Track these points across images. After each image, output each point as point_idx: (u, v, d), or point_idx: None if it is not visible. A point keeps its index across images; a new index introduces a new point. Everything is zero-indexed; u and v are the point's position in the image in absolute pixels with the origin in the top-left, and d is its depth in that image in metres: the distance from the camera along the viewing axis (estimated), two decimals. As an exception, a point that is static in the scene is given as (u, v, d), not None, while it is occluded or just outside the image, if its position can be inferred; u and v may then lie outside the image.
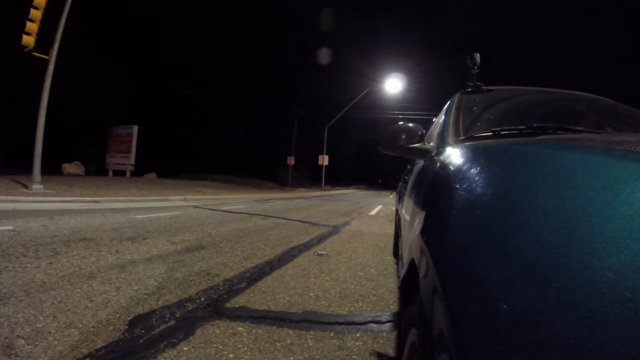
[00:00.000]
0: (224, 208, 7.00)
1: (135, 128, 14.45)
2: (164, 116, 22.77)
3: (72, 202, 5.69)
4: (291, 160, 21.31)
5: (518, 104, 1.50)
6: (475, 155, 0.70)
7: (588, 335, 0.25)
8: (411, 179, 1.70)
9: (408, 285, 0.77)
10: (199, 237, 3.65)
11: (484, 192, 0.51)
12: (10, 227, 3.41)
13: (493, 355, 0.30)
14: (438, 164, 0.95)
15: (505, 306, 0.32)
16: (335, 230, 4.77)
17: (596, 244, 0.29)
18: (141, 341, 1.37)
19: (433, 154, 1.15)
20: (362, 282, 2.37)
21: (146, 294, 1.89)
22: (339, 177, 36.59)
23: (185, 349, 1.34)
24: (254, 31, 39.01)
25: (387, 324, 1.70)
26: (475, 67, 1.51)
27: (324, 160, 20.60)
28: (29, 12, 6.50)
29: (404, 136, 1.25)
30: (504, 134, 1.01)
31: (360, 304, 1.96)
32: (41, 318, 1.50)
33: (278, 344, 1.42)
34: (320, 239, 3.94)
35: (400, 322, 1.65)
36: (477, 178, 0.56)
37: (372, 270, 2.72)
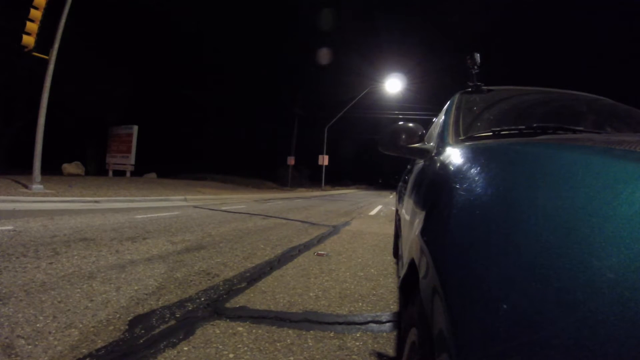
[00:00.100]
0: (224, 208, 7.00)
1: (135, 128, 14.47)
2: (164, 116, 22.80)
3: (72, 202, 5.69)
4: (291, 160, 21.31)
5: (518, 104, 1.50)
6: (475, 155, 0.70)
7: (588, 335, 0.25)
8: (411, 179, 1.70)
9: (408, 285, 0.77)
10: (199, 237, 3.65)
11: (484, 192, 0.51)
12: (10, 227, 3.41)
13: (493, 355, 0.30)
14: (438, 164, 0.95)
15: (505, 306, 0.32)
16: (335, 230, 4.77)
17: (596, 244, 0.29)
18: (141, 341, 1.37)
19: (433, 154, 1.15)
20: (362, 282, 2.37)
21: (146, 294, 1.89)
22: (339, 177, 36.62)
23: (186, 349, 1.34)
24: (253, 31, 39.10)
25: (387, 324, 1.70)
26: (475, 67, 1.51)
27: (324, 160, 20.60)
28: (29, 12, 6.50)
29: (404, 136, 1.25)
30: (504, 134, 1.01)
31: (360, 304, 1.96)
32: (41, 318, 1.50)
33: (278, 344, 1.42)
34: (320, 239, 3.94)
35: (400, 322, 1.65)
36: (477, 178, 0.56)
37: (372, 270, 2.72)
